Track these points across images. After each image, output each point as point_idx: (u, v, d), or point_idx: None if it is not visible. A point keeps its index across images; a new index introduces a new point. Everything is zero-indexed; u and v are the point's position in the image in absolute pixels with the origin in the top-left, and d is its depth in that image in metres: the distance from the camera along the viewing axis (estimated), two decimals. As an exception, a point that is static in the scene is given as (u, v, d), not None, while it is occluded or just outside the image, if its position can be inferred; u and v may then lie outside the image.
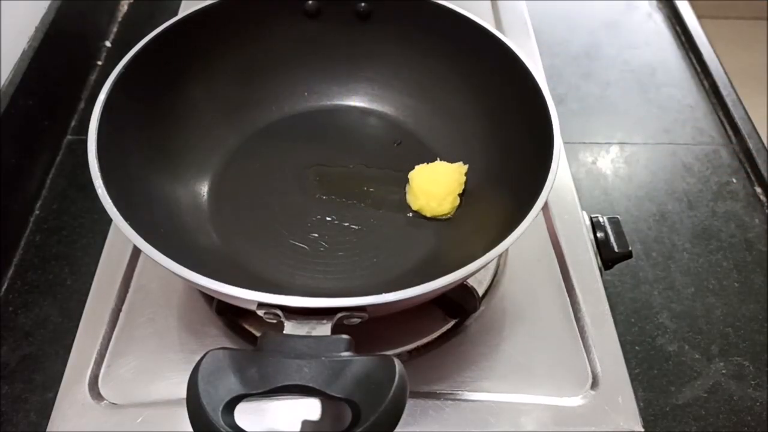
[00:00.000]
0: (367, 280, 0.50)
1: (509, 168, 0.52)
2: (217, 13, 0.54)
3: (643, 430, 0.46)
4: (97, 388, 0.47)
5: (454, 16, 0.54)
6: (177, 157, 0.53)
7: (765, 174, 0.69)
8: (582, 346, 0.50)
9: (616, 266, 0.56)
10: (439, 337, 0.50)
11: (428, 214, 0.52)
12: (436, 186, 0.52)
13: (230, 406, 0.32)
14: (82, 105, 0.74)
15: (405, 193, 0.54)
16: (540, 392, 0.47)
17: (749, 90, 0.90)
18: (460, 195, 0.53)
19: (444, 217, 0.52)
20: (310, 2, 0.57)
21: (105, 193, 0.40)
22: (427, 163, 0.54)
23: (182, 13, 0.53)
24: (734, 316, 0.58)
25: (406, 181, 0.54)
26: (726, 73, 0.80)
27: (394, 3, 0.56)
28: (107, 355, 0.48)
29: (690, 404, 0.53)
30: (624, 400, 0.47)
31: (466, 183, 0.53)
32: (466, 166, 0.54)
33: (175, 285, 0.52)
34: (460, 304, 0.50)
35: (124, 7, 0.86)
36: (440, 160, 0.55)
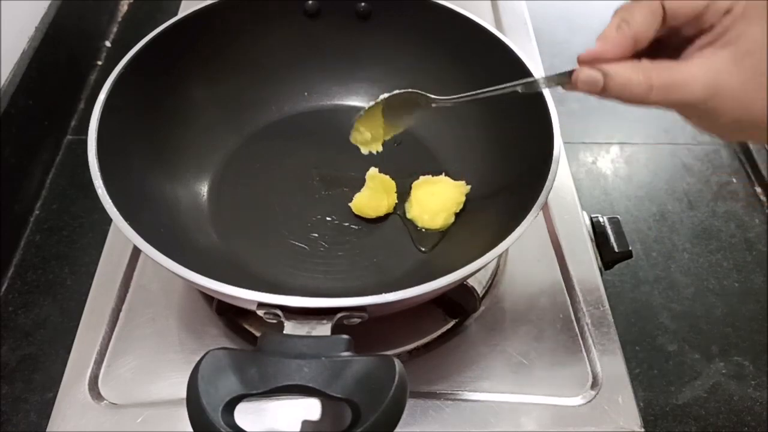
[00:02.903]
0: (367, 280, 0.50)
1: (509, 168, 0.52)
2: (217, 13, 0.54)
3: (643, 430, 0.46)
4: (97, 388, 0.47)
5: (454, 16, 0.54)
6: (177, 157, 0.53)
7: (765, 174, 0.69)
8: (582, 345, 0.50)
9: (616, 266, 0.56)
10: (439, 337, 0.50)
11: (419, 225, 0.52)
12: (432, 200, 0.52)
13: (230, 406, 0.32)
14: (82, 105, 0.74)
15: (405, 194, 0.54)
16: (540, 392, 0.47)
17: (749, 90, 0.89)
18: (457, 213, 0.53)
19: (436, 230, 0.52)
20: (310, 2, 0.57)
21: (105, 193, 0.40)
22: (432, 176, 0.54)
23: (182, 13, 0.53)
24: (734, 316, 0.58)
25: (406, 181, 0.54)
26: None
27: (394, 3, 0.56)
28: (107, 355, 0.48)
29: (690, 404, 0.53)
30: (624, 400, 0.47)
31: (466, 196, 0.53)
32: (469, 187, 0.53)
33: (175, 285, 0.52)
34: (460, 304, 0.50)
35: (124, 7, 0.86)
36: (442, 163, 0.55)
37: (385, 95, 0.47)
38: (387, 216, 0.53)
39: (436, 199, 0.52)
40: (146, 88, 0.50)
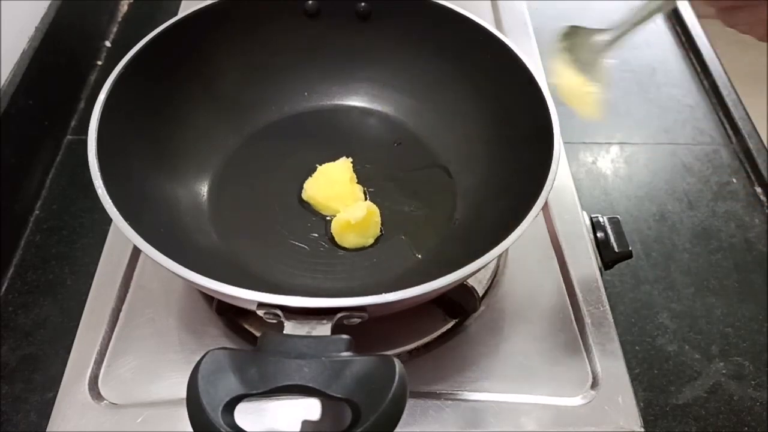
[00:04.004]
0: (367, 280, 0.50)
1: (509, 168, 0.52)
2: (217, 13, 0.54)
3: (643, 430, 0.46)
4: (97, 388, 0.47)
5: (454, 16, 0.54)
6: (177, 157, 0.53)
7: (765, 174, 0.69)
8: (582, 346, 0.50)
9: (616, 266, 0.56)
10: (439, 337, 0.50)
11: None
12: (335, 186, 0.53)
13: (230, 406, 0.32)
14: (82, 105, 0.74)
15: (403, 193, 0.54)
16: (540, 392, 0.47)
17: (749, 90, 0.90)
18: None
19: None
20: (310, 2, 0.57)
21: (105, 193, 0.40)
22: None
23: (182, 13, 0.53)
24: (734, 316, 0.58)
25: (406, 181, 0.54)
26: (726, 73, 0.80)
27: (394, 3, 0.56)
28: (107, 355, 0.48)
29: (690, 404, 0.53)
30: (624, 400, 0.47)
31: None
32: (350, 159, 0.54)
33: (175, 285, 0.52)
34: (460, 304, 0.50)
35: (124, 7, 0.86)
36: (442, 162, 0.55)
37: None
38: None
39: (335, 184, 0.53)
40: (146, 88, 0.50)
